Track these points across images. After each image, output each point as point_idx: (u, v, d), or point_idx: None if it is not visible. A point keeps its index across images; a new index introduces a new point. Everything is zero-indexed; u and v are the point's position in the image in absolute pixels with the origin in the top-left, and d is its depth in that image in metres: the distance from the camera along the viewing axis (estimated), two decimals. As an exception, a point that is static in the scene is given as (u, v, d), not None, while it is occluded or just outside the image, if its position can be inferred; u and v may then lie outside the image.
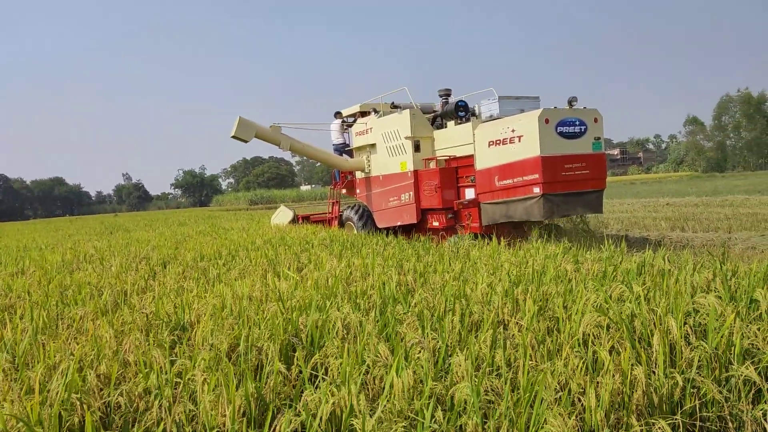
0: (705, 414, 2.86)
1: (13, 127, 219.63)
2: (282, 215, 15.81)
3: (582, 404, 2.80)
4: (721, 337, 3.22)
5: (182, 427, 2.92)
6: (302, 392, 3.08)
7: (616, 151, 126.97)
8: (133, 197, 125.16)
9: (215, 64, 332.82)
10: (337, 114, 14.20)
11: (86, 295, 6.03)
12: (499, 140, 9.31)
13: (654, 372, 3.03)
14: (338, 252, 8.14)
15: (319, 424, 2.70)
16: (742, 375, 2.92)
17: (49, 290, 6.57)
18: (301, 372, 3.37)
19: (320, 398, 2.84)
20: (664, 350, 3.10)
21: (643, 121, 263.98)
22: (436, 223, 11.08)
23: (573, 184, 8.99)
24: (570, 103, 9.21)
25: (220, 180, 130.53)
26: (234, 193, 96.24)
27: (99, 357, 3.67)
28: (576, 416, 2.68)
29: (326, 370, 3.46)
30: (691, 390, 2.92)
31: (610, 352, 3.32)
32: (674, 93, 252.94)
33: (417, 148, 11.34)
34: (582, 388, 2.90)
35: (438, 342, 3.55)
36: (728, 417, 2.85)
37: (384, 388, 3.02)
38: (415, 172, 11.28)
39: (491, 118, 10.21)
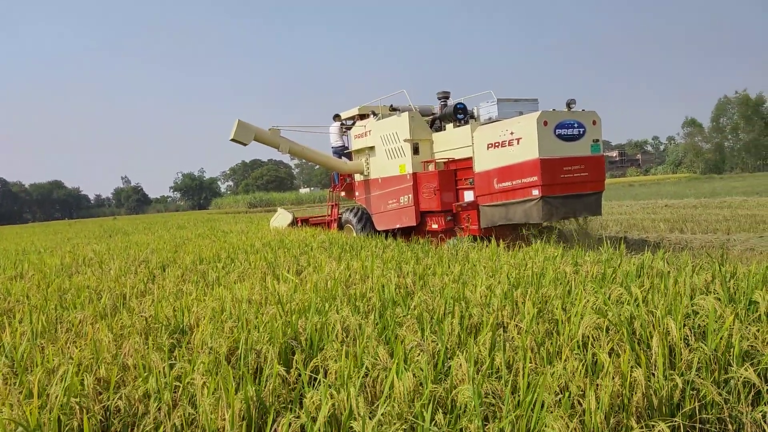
0: (704, 416, 2.86)
1: (11, 130, 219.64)
2: (281, 218, 15.81)
3: (582, 407, 2.80)
4: (721, 338, 3.23)
5: (181, 431, 2.92)
6: (302, 395, 3.07)
7: (614, 153, 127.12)
8: (132, 200, 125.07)
9: (215, 64, 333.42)
10: (336, 117, 14.22)
11: (85, 299, 6.03)
12: (498, 143, 9.32)
13: (653, 374, 3.03)
14: (337, 255, 8.14)
15: (319, 427, 2.69)
16: (741, 377, 2.92)
17: (47, 294, 6.56)
18: (300, 375, 3.36)
19: (320, 399, 2.84)
20: (663, 352, 3.10)
21: (642, 122, 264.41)
22: (435, 226, 11.09)
23: (572, 186, 9.00)
24: (568, 105, 9.23)
25: (219, 183, 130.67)
26: (233, 196, 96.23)
27: (98, 361, 3.67)
28: (576, 419, 2.68)
29: (326, 373, 3.46)
30: (691, 392, 2.92)
31: (610, 355, 3.32)
32: (672, 94, 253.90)
33: (416, 150, 11.34)
34: (582, 391, 2.90)
35: (437, 344, 3.55)
36: (728, 419, 2.85)
37: (383, 390, 3.01)
38: (414, 174, 11.29)
39: (490, 121, 10.23)
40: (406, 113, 11.43)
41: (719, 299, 4.01)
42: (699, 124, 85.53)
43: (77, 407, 2.99)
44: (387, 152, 12.09)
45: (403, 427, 2.64)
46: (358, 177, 13.56)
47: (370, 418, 2.69)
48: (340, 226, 13.89)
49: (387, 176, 12.20)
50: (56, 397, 3.01)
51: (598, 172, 9.33)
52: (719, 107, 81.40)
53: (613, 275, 5.23)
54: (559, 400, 2.79)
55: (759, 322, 3.61)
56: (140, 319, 4.73)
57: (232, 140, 12.03)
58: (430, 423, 2.66)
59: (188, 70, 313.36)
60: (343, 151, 14.04)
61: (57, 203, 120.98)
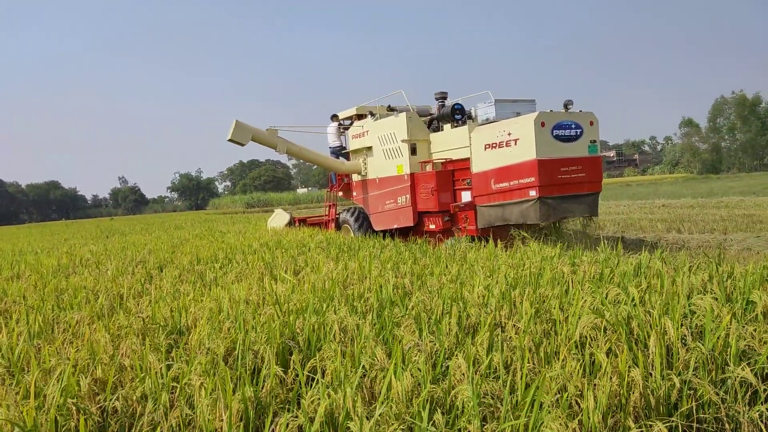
0: (702, 415, 2.87)
1: (8, 130, 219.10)
2: (279, 218, 15.79)
3: (579, 406, 2.80)
4: (718, 338, 3.23)
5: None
6: (299, 395, 3.07)
7: (611, 153, 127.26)
8: (130, 201, 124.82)
9: (215, 64, 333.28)
10: (334, 117, 14.21)
11: (82, 300, 6.01)
12: (496, 143, 9.33)
13: (651, 374, 3.04)
14: (335, 255, 8.13)
15: (316, 428, 2.69)
16: (738, 376, 2.93)
17: (44, 294, 6.55)
18: (297, 376, 3.36)
19: (317, 399, 2.84)
20: (660, 352, 3.10)
21: (639, 122, 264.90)
22: (432, 226, 11.09)
23: (569, 187, 9.02)
24: (566, 106, 9.24)
25: (216, 183, 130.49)
26: (230, 197, 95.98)
27: (95, 361, 3.66)
28: (574, 419, 2.68)
29: (323, 373, 3.46)
30: (688, 391, 2.93)
31: (607, 354, 3.32)
32: (670, 95, 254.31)
33: (413, 151, 11.35)
34: (579, 391, 2.91)
35: (435, 345, 3.55)
36: (725, 418, 2.85)
37: (381, 391, 3.01)
38: (412, 175, 11.29)
39: (487, 121, 10.24)
40: (404, 113, 11.43)
41: (716, 299, 4.02)
42: (696, 125, 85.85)
43: (74, 408, 2.98)
44: (384, 152, 12.09)
45: (401, 427, 2.64)
46: (355, 177, 13.56)
47: (367, 419, 2.69)
48: (338, 227, 13.88)
49: (384, 176, 12.20)
50: (53, 398, 3.00)
51: (595, 173, 9.35)
52: (716, 107, 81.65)
53: (611, 275, 5.23)
54: (557, 400, 2.79)
55: (756, 322, 3.62)
56: (137, 319, 4.72)
57: (230, 141, 12.02)
58: (428, 423, 2.66)
59: (187, 70, 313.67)
60: (340, 152, 14.03)
61: (54, 204, 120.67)
